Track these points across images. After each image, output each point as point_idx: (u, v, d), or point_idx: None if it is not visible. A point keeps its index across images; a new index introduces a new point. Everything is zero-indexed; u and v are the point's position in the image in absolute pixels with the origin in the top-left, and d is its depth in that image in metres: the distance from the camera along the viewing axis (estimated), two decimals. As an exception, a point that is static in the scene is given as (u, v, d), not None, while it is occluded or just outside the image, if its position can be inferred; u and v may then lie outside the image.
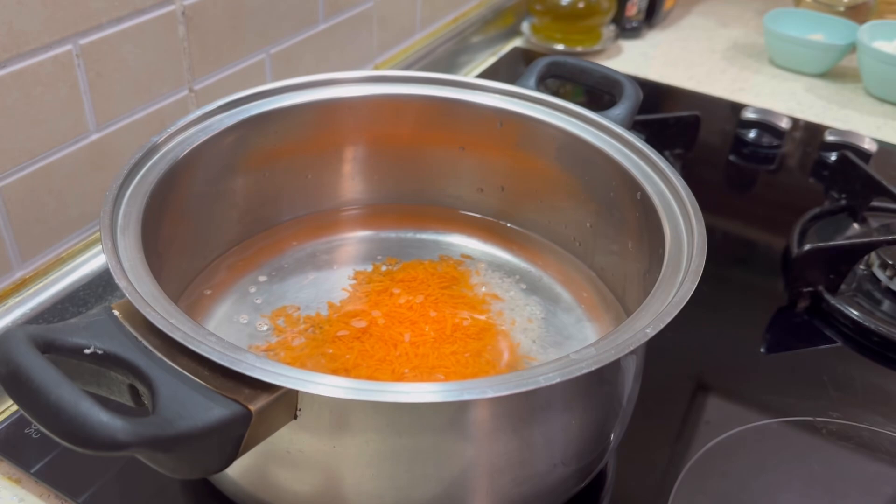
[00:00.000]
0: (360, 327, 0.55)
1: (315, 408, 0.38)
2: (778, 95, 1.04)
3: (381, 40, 0.90)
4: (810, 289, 0.67)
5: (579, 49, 1.10)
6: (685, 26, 1.23)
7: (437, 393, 0.35)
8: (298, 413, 0.38)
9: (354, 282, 0.61)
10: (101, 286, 0.61)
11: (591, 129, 0.58)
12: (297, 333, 0.55)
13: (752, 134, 0.91)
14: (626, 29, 1.16)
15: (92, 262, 0.61)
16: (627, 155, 0.55)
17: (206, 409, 0.34)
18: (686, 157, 0.86)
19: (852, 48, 1.05)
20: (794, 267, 0.67)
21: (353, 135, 0.63)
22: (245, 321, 0.57)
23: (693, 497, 0.51)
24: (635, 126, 0.63)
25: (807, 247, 0.65)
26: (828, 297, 0.66)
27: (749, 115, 0.91)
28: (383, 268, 0.62)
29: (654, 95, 1.02)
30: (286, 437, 0.39)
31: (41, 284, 0.59)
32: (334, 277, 0.61)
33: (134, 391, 0.37)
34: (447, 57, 1.01)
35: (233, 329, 0.56)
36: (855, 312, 0.65)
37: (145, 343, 0.37)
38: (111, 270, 0.40)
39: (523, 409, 0.40)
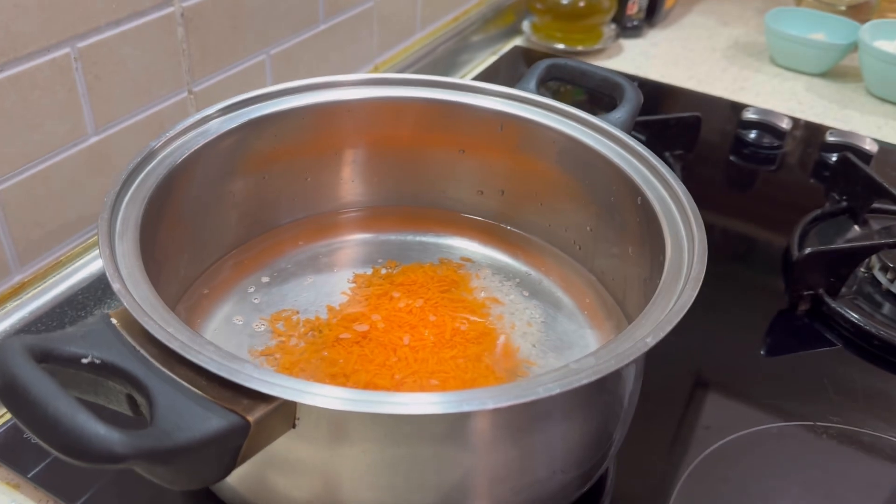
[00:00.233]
0: (360, 331, 0.55)
1: (313, 418, 0.38)
2: (779, 95, 1.04)
3: (381, 40, 0.90)
4: (811, 292, 0.67)
5: (580, 48, 1.10)
6: (686, 25, 1.23)
7: (436, 404, 0.35)
8: (297, 423, 0.38)
9: (354, 285, 0.60)
10: (99, 289, 0.61)
11: (591, 132, 0.58)
12: (297, 337, 0.55)
13: (752, 134, 0.91)
14: (627, 28, 1.15)
15: (91, 265, 0.61)
16: (628, 159, 0.55)
17: (203, 420, 0.34)
18: (686, 158, 0.86)
19: (854, 47, 1.05)
20: (795, 270, 0.66)
21: (352, 137, 0.63)
22: (244, 324, 0.56)
23: (693, 502, 0.51)
24: (636, 127, 0.62)
25: (807, 250, 0.65)
26: (828, 300, 0.66)
27: (750, 115, 0.91)
28: (383, 271, 0.62)
29: (655, 95, 1.01)
30: (285, 446, 0.38)
31: (39, 288, 0.59)
32: (334, 280, 0.61)
33: (132, 400, 0.37)
34: (447, 56, 1.01)
35: (232, 332, 0.56)
36: (855, 316, 0.65)
37: (143, 352, 0.37)
38: (109, 279, 0.40)
39: (523, 418, 0.40)
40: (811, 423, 0.57)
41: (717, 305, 0.67)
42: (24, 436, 0.52)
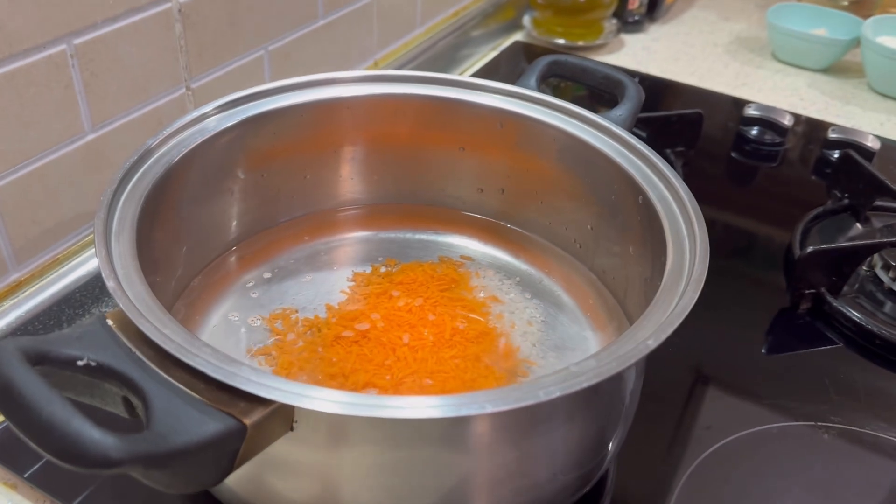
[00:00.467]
0: (359, 331, 0.55)
1: (311, 420, 0.37)
2: (780, 91, 1.03)
3: (381, 35, 0.89)
4: (812, 290, 0.66)
5: (580, 43, 1.09)
6: (687, 20, 1.22)
7: (435, 408, 0.35)
8: (295, 425, 0.37)
9: (353, 283, 0.60)
10: (97, 288, 0.61)
11: (592, 130, 0.57)
12: (295, 336, 0.55)
13: (754, 131, 0.90)
14: (628, 23, 1.15)
15: (87, 263, 0.61)
16: (629, 158, 0.55)
17: (200, 423, 0.34)
18: (688, 155, 0.85)
19: (856, 43, 1.04)
20: (797, 268, 0.66)
21: (351, 135, 0.63)
22: (243, 323, 0.56)
23: (694, 503, 0.50)
24: (637, 123, 0.62)
25: (809, 248, 0.65)
26: (830, 298, 0.66)
27: (751, 111, 0.90)
28: (382, 269, 0.61)
29: (656, 90, 1.01)
30: (283, 449, 0.38)
31: (36, 287, 0.59)
32: (333, 279, 0.61)
33: (128, 403, 0.37)
34: (448, 51, 1.00)
35: (230, 331, 0.55)
36: (857, 314, 0.64)
37: (139, 354, 0.37)
38: (105, 280, 0.40)
39: (523, 421, 0.39)
40: (812, 423, 0.57)
41: (718, 304, 0.66)
42: (21, 436, 0.52)
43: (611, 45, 1.12)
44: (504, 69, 1.04)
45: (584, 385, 0.36)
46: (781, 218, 0.78)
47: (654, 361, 0.49)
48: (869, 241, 0.67)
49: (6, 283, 0.58)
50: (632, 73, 1.01)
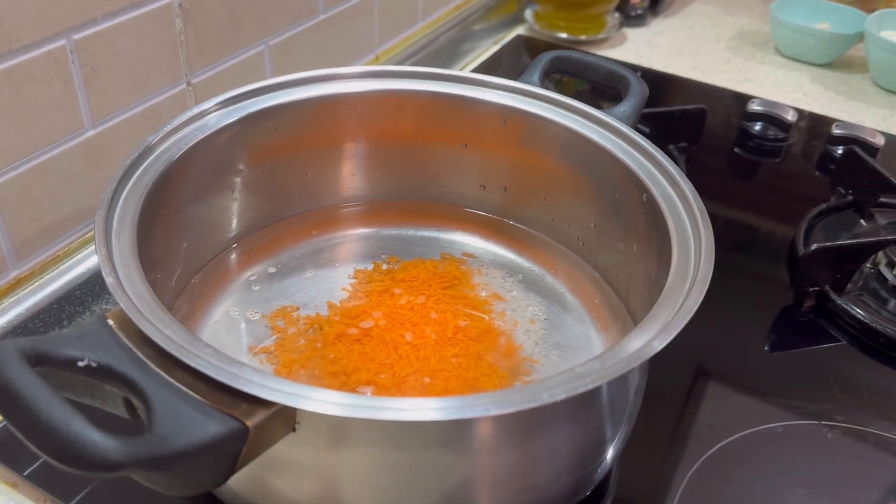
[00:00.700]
0: (361, 329, 0.54)
1: (314, 422, 0.37)
2: (783, 85, 1.03)
3: (382, 29, 0.89)
4: (816, 288, 0.66)
5: (583, 37, 1.09)
6: (690, 14, 1.22)
7: (438, 410, 0.34)
8: (297, 426, 0.37)
9: (355, 281, 0.60)
10: (97, 285, 0.60)
11: (596, 127, 0.57)
12: (297, 335, 0.55)
13: (757, 127, 0.90)
14: (631, 17, 1.14)
15: (88, 260, 0.61)
16: (633, 155, 0.54)
17: (202, 425, 0.34)
18: (691, 151, 0.85)
19: (859, 38, 1.04)
20: (800, 266, 0.65)
21: (353, 131, 0.62)
22: (244, 320, 0.56)
23: (697, 502, 0.50)
24: (640, 119, 0.62)
25: (813, 246, 0.64)
26: (834, 296, 0.65)
27: (755, 107, 0.90)
28: (384, 266, 0.61)
29: (658, 85, 1.00)
30: (285, 450, 0.38)
31: (37, 284, 0.58)
32: (334, 276, 0.60)
33: (129, 403, 0.37)
34: (449, 46, 0.99)
35: (232, 328, 0.55)
36: (861, 312, 0.64)
37: (140, 354, 0.36)
38: (106, 281, 0.39)
39: (526, 423, 0.39)
40: (816, 421, 0.56)
41: (721, 301, 0.65)
42: (22, 434, 0.52)
43: (613, 40, 1.11)
44: (506, 63, 1.04)
45: (589, 387, 0.35)
46: (785, 214, 0.77)
47: (656, 359, 0.48)
48: (873, 239, 0.67)
49: (6, 280, 0.57)
50: (634, 68, 1.01)
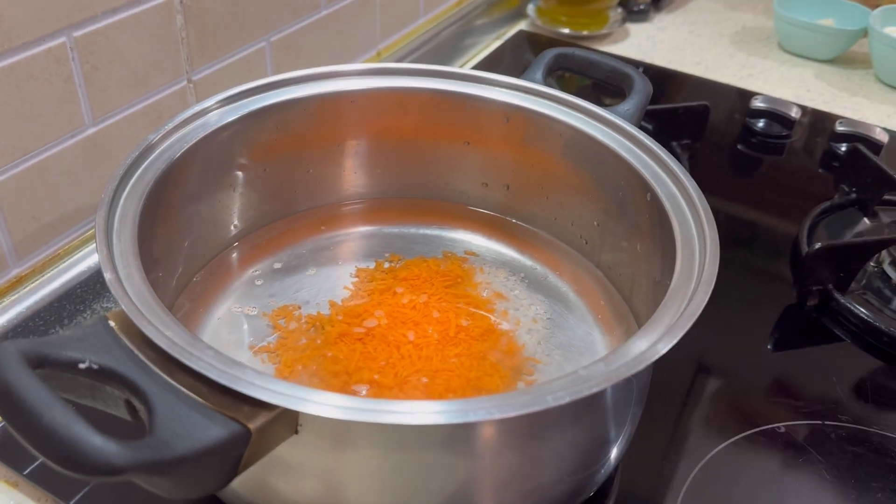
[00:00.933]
0: (363, 328, 0.54)
1: (316, 424, 0.37)
2: (787, 82, 1.02)
3: (383, 25, 0.88)
4: (819, 287, 0.66)
5: (585, 33, 1.08)
6: (693, 9, 1.21)
7: (440, 414, 0.34)
8: (299, 429, 0.37)
9: (357, 279, 0.59)
10: (98, 283, 0.60)
11: (599, 125, 0.56)
12: (299, 333, 0.54)
13: (760, 123, 0.89)
14: (633, 12, 1.14)
15: (88, 259, 0.60)
16: (637, 154, 0.54)
17: (204, 428, 0.33)
18: (694, 148, 0.84)
19: (863, 34, 1.03)
20: (804, 265, 0.65)
21: (355, 128, 0.62)
22: (246, 319, 0.56)
23: (700, 503, 0.50)
24: (643, 116, 0.61)
25: (816, 245, 0.64)
26: (837, 295, 0.65)
27: (758, 104, 0.89)
28: (386, 265, 0.61)
29: (661, 81, 1.00)
30: (287, 452, 0.38)
31: (37, 282, 0.58)
32: (336, 274, 0.60)
33: (130, 406, 0.36)
34: (451, 41, 0.99)
35: (233, 327, 0.55)
36: (864, 311, 0.64)
37: (141, 356, 0.36)
38: (107, 283, 0.39)
39: (530, 426, 0.39)
40: (819, 421, 0.56)
41: (724, 300, 0.65)
42: (22, 433, 0.51)
43: (616, 35, 1.11)
44: (508, 59, 1.03)
45: (594, 390, 0.35)
46: (788, 212, 0.77)
47: (659, 359, 0.49)
48: (877, 238, 0.67)
49: (6, 278, 0.57)
50: (636, 64, 1.01)
